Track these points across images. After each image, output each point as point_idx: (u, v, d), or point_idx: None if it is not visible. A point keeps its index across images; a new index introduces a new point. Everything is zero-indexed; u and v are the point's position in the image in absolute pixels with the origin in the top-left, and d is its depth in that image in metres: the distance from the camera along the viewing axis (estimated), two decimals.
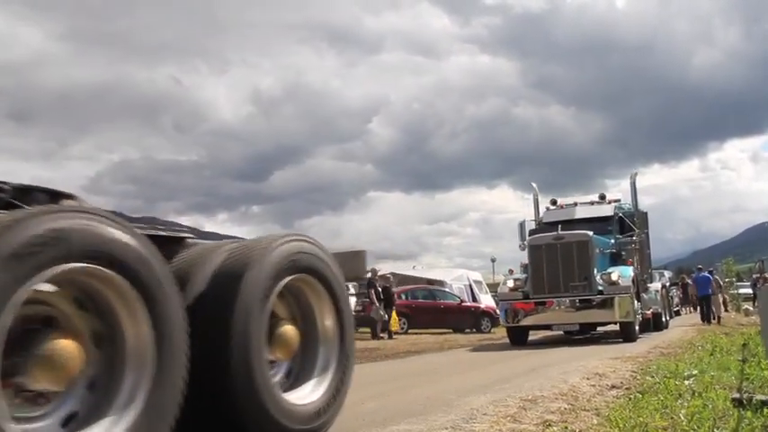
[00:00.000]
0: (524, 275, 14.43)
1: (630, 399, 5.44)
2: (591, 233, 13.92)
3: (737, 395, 4.63)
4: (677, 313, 28.18)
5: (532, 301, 13.94)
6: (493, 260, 56.41)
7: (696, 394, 5.33)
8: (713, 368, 7.17)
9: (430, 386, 7.17)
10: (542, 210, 17.08)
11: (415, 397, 6.15)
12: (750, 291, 30.88)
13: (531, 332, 14.71)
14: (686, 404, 4.92)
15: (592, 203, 16.33)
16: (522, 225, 16.15)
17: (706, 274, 22.47)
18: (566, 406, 5.20)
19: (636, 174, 16.49)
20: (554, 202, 16.77)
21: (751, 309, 23.81)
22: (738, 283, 30.97)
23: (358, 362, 5.34)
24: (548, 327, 14.22)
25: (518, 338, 14.53)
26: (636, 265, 15.35)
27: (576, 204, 16.49)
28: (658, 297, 18.00)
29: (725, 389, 5.52)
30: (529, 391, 5.89)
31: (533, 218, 17.09)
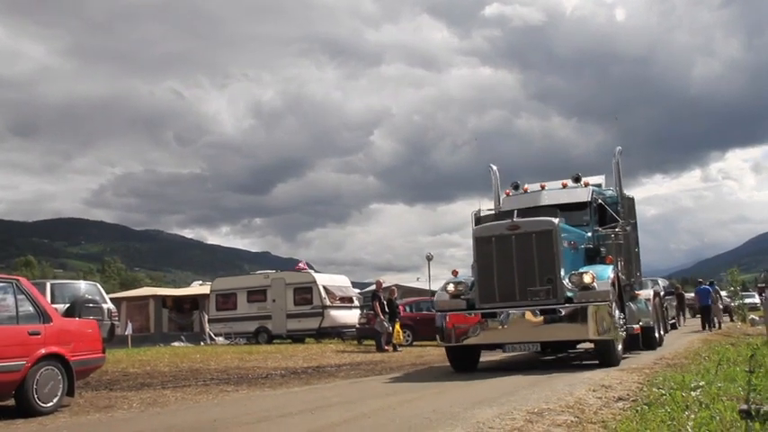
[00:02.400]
0: (470, 278, 10.85)
1: (637, 411, 5.44)
2: (557, 220, 10.37)
3: (745, 407, 4.35)
4: (673, 326, 24.54)
5: (478, 312, 10.38)
6: None
7: (703, 406, 5.33)
8: (720, 379, 7.09)
9: (436, 399, 7.15)
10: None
11: (421, 410, 6.17)
12: (756, 301, 31.57)
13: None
14: (693, 416, 5.02)
15: (564, 187, 12.79)
16: (475, 215, 12.57)
17: (707, 286, 24.97)
18: (572, 419, 5.30)
19: (620, 151, 12.95)
20: (516, 186, 13.21)
21: (757, 319, 24.15)
22: (744, 293, 31.59)
23: (364, 375, 6.84)
24: (499, 347, 10.61)
25: (462, 362, 10.95)
26: (620, 265, 11.81)
27: (542, 188, 12.96)
28: (650, 307, 14.42)
29: (732, 400, 5.50)
30: (535, 404, 5.89)
31: (493, 207, 13.54)
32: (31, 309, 7.51)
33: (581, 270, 10.03)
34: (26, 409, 7.11)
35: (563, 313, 9.82)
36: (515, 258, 10.27)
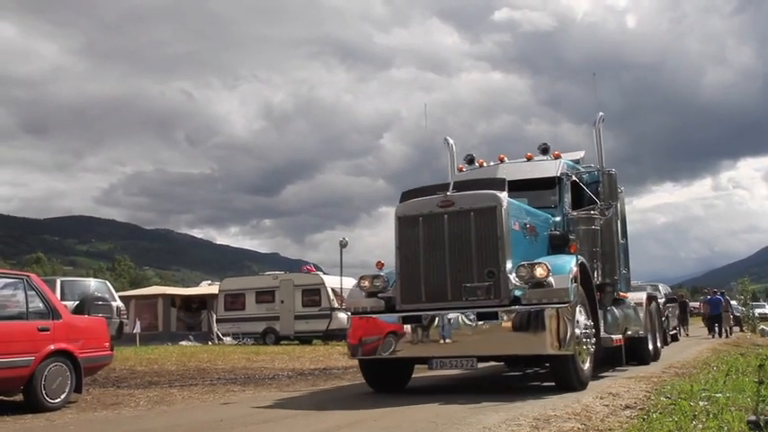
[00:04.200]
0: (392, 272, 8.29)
1: (644, 419, 5.40)
2: (503, 194, 7.78)
3: (753, 417, 4.49)
4: (674, 338, 21.80)
5: (400, 315, 7.83)
6: None
7: (711, 416, 5.28)
8: (729, 389, 6.95)
9: (442, 403, 6.87)
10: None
11: (427, 414, 6.12)
12: (767, 311, 32.81)
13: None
14: (701, 426, 4.99)
15: (528, 160, 10.20)
16: (403, 192, 9.83)
17: (718, 296, 25.45)
18: (579, 426, 5.28)
19: (602, 117, 10.32)
20: (471, 160, 10.61)
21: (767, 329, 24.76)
22: (754, 303, 32.09)
23: None
24: (424, 361, 8.03)
25: (379, 380, 8.43)
26: (596, 258, 9.21)
27: (502, 160, 10.36)
28: (641, 313, 11.79)
29: (740, 410, 5.45)
30: (541, 411, 5.86)
31: None
32: (40, 305, 7.53)
33: (533, 261, 7.44)
34: (34, 405, 7.14)
35: (506, 318, 7.25)
36: (448, 244, 7.71)
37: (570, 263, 7.51)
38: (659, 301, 20.57)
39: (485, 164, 10.40)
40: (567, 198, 9.56)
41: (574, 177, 9.77)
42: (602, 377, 9.53)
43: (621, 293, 10.95)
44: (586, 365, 7.70)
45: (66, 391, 7.43)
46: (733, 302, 29.00)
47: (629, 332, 11.19)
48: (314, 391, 9.15)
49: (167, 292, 32.21)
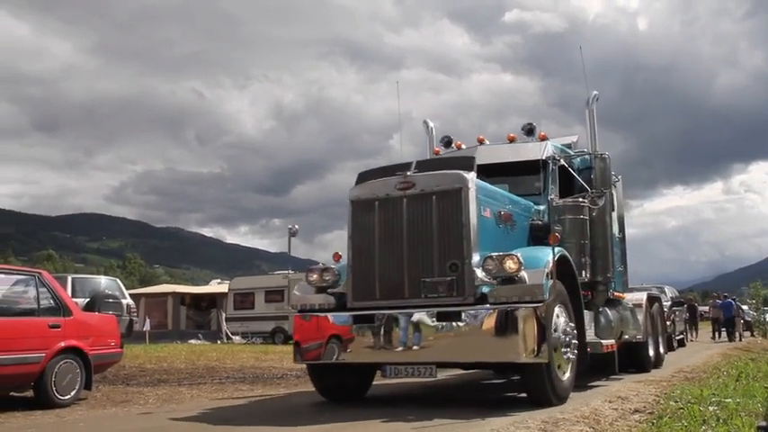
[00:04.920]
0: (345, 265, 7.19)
1: (654, 424, 5.35)
2: (470, 174, 6.65)
3: (764, 423, 4.29)
4: (681, 343, 20.57)
5: (350, 314, 6.76)
6: None
7: (721, 421, 5.20)
8: (739, 394, 6.91)
9: (448, 405, 6.74)
10: None
11: (432, 416, 5.82)
12: None
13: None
14: (711, 431, 4.94)
15: (511, 141, 9.08)
16: (360, 174, 8.72)
17: (730, 300, 25.83)
18: (588, 429, 5.25)
19: (596, 96, 9.19)
20: (448, 143, 9.48)
21: None
22: (766, 308, 31.29)
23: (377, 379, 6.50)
24: (377, 367, 6.93)
25: (331, 388, 7.37)
26: (584, 252, 8.10)
27: (481, 142, 9.23)
28: (639, 316, 10.64)
29: (751, 416, 5.38)
30: (550, 413, 5.70)
31: None
32: (52, 302, 7.53)
33: (503, 253, 6.32)
34: (44, 401, 7.15)
35: (467, 319, 6.14)
36: (406, 233, 6.62)
37: (548, 255, 6.38)
38: (665, 303, 19.55)
39: (463, 146, 9.29)
40: (554, 185, 8.44)
41: (562, 162, 8.65)
42: (593, 386, 8.44)
43: (617, 293, 9.81)
44: (566, 375, 6.58)
45: (77, 387, 7.46)
46: (744, 307, 28.93)
47: (626, 336, 10.06)
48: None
49: (177, 291, 32.40)
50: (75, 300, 9.09)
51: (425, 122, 10.40)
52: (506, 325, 6.00)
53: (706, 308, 33.00)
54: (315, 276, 7.07)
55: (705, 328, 29.81)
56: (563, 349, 6.50)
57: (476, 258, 6.36)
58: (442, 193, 6.56)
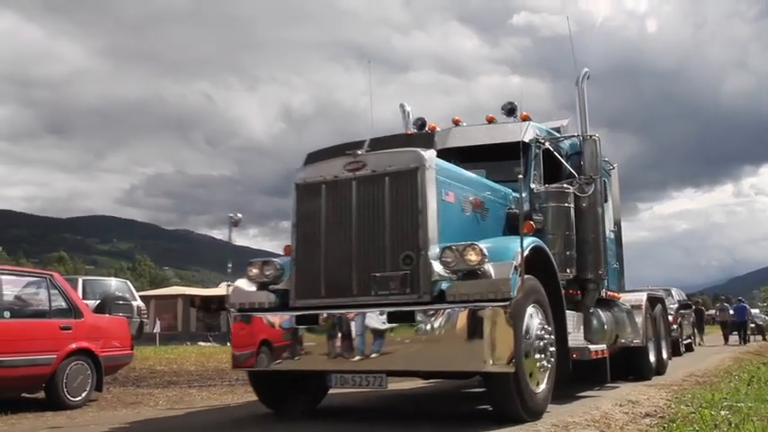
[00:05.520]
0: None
1: (665, 428, 5.30)
2: (429, 153, 5.70)
3: None
4: (689, 347, 19.51)
5: (291, 314, 5.84)
6: None
7: (733, 426, 5.15)
8: (751, 399, 6.79)
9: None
10: None
11: (441, 419, 5.96)
12: None
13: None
14: None
15: (490, 122, 8.12)
16: (308, 154, 7.79)
17: (744, 304, 25.74)
18: None
19: (587, 74, 8.25)
20: (421, 125, 8.54)
21: None
22: None
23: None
24: (321, 376, 5.98)
25: (274, 399, 6.47)
26: (567, 243, 7.16)
27: (456, 123, 8.29)
28: (637, 319, 9.68)
29: (763, 420, 5.34)
30: (560, 417, 5.59)
31: None
32: (63, 304, 7.59)
33: (464, 243, 5.38)
34: (55, 402, 7.19)
35: (421, 320, 5.22)
36: (356, 220, 5.72)
37: (515, 245, 5.42)
38: (671, 306, 18.50)
39: (438, 129, 8.36)
40: (537, 170, 7.50)
41: (547, 145, 7.70)
42: (582, 397, 7.50)
43: (611, 293, 8.86)
44: (541, 387, 5.62)
45: (87, 389, 7.51)
46: (755, 311, 28.82)
47: (622, 340, 9.10)
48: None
49: (187, 293, 32.59)
50: (85, 301, 9.17)
51: (402, 106, 9.48)
52: (465, 327, 5.06)
53: (713, 311, 32.31)
54: (254, 271, 6.17)
55: (713, 332, 29.00)
56: (537, 356, 5.54)
57: (434, 250, 5.43)
58: (395, 174, 5.64)
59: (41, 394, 7.43)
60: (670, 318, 17.63)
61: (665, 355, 11.31)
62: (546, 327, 5.73)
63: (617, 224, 9.44)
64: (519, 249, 5.37)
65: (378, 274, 5.52)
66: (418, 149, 5.65)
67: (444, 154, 7.18)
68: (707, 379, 9.72)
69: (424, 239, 5.43)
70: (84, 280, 17.71)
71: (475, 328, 5.03)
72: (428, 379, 7.09)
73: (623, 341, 9.13)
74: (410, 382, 7.51)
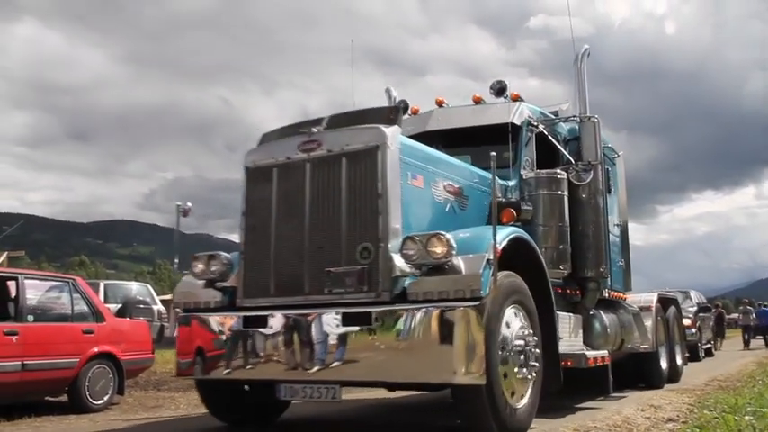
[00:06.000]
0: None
1: None
2: (389, 130, 4.92)
3: None
4: (708, 352, 18.49)
5: (240, 315, 5.11)
6: None
7: (757, 431, 5.09)
8: None
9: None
10: None
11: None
12: None
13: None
14: None
15: (477, 103, 7.33)
16: (264, 134, 6.98)
17: (766, 308, 25.25)
18: None
19: (587, 51, 7.45)
20: (404, 109, 7.77)
21: None
22: None
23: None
24: (269, 386, 5.22)
25: (225, 410, 5.75)
26: (560, 236, 6.36)
27: (440, 105, 7.50)
28: (646, 322, 8.83)
29: None
30: (581, 421, 5.66)
31: None
32: (85, 308, 7.71)
33: (429, 232, 4.61)
34: (78, 406, 7.28)
35: (379, 323, 4.46)
36: (309, 207, 4.98)
37: (487, 235, 4.63)
38: (689, 308, 17.51)
39: (419, 111, 7.60)
40: (529, 155, 6.72)
41: (541, 128, 6.92)
42: (581, 409, 6.71)
43: (615, 293, 8.03)
44: (522, 401, 4.83)
45: (109, 392, 7.58)
46: None
47: (629, 345, 8.28)
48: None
49: None
50: (107, 305, 9.22)
51: (387, 90, 8.73)
52: (427, 332, 4.30)
53: (735, 315, 31.20)
54: (200, 266, 5.45)
55: (735, 336, 27.97)
56: (517, 365, 4.76)
57: (396, 242, 4.68)
58: (353, 154, 4.89)
59: (64, 397, 7.49)
60: (688, 321, 16.80)
61: (678, 361, 10.42)
62: (528, 331, 4.93)
63: (623, 218, 8.61)
64: (494, 240, 4.59)
65: (332, 270, 4.78)
66: (380, 126, 4.89)
67: (425, 138, 6.47)
68: (730, 383, 9.47)
69: (383, 229, 4.68)
70: (105, 284, 17.59)
71: (438, 332, 4.27)
72: (393, 390, 6.32)
73: (630, 346, 8.30)
74: (383, 391, 6.73)
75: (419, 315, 4.33)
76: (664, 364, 9.49)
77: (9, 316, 7.12)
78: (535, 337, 5.02)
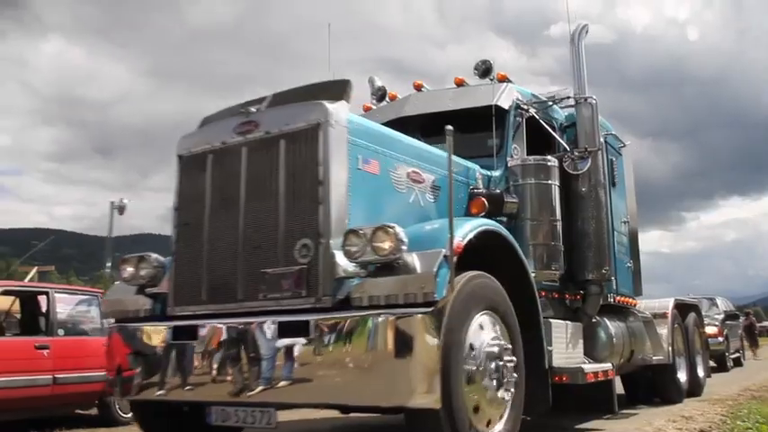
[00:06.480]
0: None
1: None
2: (333, 106, 4.15)
3: None
4: (737, 362, 17.37)
5: (170, 326, 4.39)
6: None
7: None
8: None
9: None
10: None
11: None
12: None
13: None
14: None
15: (459, 85, 6.54)
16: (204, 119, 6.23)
17: None
18: None
19: (585, 28, 6.67)
20: (382, 97, 7.01)
21: None
22: None
23: None
24: (201, 409, 4.46)
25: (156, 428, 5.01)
26: (551, 232, 5.53)
27: (418, 88, 6.74)
28: (661, 331, 7.94)
29: None
30: None
31: None
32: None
33: (376, 224, 3.85)
34: (108, 419, 7.46)
35: (316, 334, 3.70)
36: (245, 199, 4.26)
37: (457, 229, 3.86)
38: (716, 316, 16.47)
39: (397, 96, 6.85)
40: (519, 143, 5.92)
41: (532, 112, 6.13)
42: (582, 431, 5.89)
43: (622, 298, 7.16)
44: (496, 426, 4.02)
45: None
46: None
47: (640, 357, 7.40)
48: None
49: None
50: None
51: (371, 80, 7.99)
52: (370, 345, 3.52)
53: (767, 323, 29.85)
54: (129, 270, 4.76)
55: (765, 345, 26.63)
56: (488, 384, 3.96)
57: (341, 237, 3.92)
58: (292, 134, 4.15)
59: (95, 411, 7.61)
60: (714, 329, 15.75)
61: (700, 373, 9.47)
62: (504, 342, 4.13)
63: (632, 214, 7.75)
64: (459, 234, 3.81)
65: (269, 271, 4.04)
66: (322, 102, 4.15)
67: (400, 125, 5.73)
68: (763, 394, 9.28)
69: (324, 222, 3.93)
70: None
71: (382, 345, 3.49)
72: (347, 413, 5.54)
73: (641, 358, 7.42)
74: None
75: (359, 325, 3.56)
76: (682, 376, 8.58)
77: (40, 330, 7.34)
78: (513, 351, 4.21)
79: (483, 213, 4.65)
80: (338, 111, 4.13)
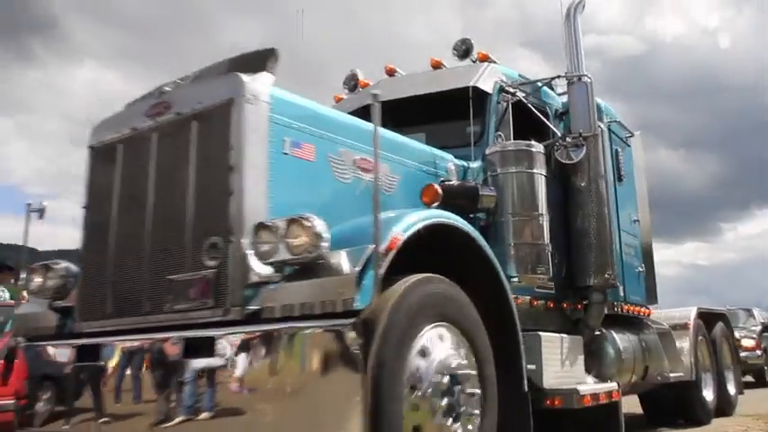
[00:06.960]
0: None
1: None
2: (249, 78, 3.41)
3: None
4: None
5: (74, 344, 3.73)
6: None
7: None
8: None
9: None
10: None
11: None
12: None
13: None
14: None
15: (435, 68, 5.79)
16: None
17: None
18: None
19: (581, 2, 5.90)
20: (353, 86, 6.31)
21: None
22: None
23: None
24: None
25: None
26: (538, 231, 4.74)
27: (391, 74, 5.99)
28: (682, 345, 7.06)
29: None
30: None
31: None
32: None
33: (292, 216, 3.14)
34: None
35: (221, 354, 3.00)
36: (154, 194, 3.59)
37: (395, 222, 3.12)
38: (753, 327, 15.37)
39: (369, 84, 6.13)
40: (504, 130, 5.13)
41: (520, 96, 5.35)
42: None
43: (632, 307, 6.31)
44: None
45: None
46: None
47: (657, 374, 6.53)
48: None
49: None
50: None
51: (354, 74, 7.30)
52: (282, 367, 2.81)
53: None
54: (37, 280, 4.11)
55: None
56: (441, 415, 3.19)
57: (246, 240, 3.21)
58: (203, 114, 3.48)
59: None
60: (752, 342, 14.65)
61: (731, 390, 8.51)
62: (463, 362, 3.36)
63: (643, 213, 6.90)
64: (395, 228, 3.07)
65: (175, 278, 3.36)
66: (237, 74, 3.46)
67: (368, 113, 5.01)
68: None
69: (236, 217, 3.22)
70: None
71: (290, 369, 2.78)
72: None
73: (658, 375, 6.55)
74: None
75: (268, 341, 2.85)
76: (709, 394, 7.66)
77: None
78: (479, 373, 3.45)
79: (436, 204, 3.89)
80: (256, 84, 3.43)
